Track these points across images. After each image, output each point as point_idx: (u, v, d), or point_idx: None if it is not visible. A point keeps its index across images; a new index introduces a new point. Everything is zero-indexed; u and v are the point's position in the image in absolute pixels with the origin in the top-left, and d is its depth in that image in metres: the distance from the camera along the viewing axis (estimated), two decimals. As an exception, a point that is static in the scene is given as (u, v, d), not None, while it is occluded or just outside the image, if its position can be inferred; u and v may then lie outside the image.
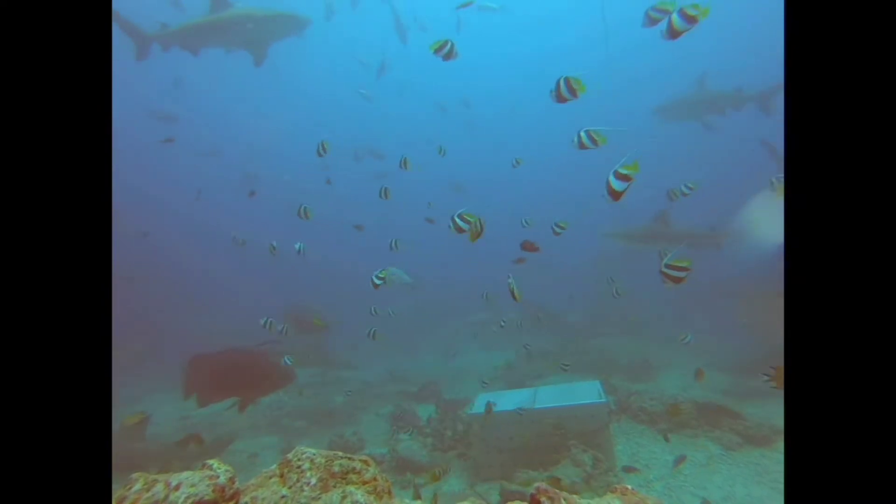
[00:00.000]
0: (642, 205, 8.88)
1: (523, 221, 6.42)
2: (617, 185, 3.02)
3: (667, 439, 5.86)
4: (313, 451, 2.35)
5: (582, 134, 3.37)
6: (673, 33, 3.20)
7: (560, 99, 3.41)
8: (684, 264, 3.29)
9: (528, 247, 5.01)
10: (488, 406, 5.62)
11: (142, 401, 10.34)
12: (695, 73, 13.19)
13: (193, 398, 6.39)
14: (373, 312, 6.78)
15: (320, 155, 5.82)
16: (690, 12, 3.08)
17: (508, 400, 6.03)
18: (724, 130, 13.52)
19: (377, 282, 5.40)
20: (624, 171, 2.99)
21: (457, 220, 3.64)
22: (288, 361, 6.07)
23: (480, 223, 3.79)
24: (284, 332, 6.04)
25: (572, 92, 3.39)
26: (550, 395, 6.03)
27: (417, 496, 4.25)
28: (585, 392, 5.95)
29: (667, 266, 3.27)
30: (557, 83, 3.39)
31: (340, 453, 2.38)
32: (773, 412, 6.40)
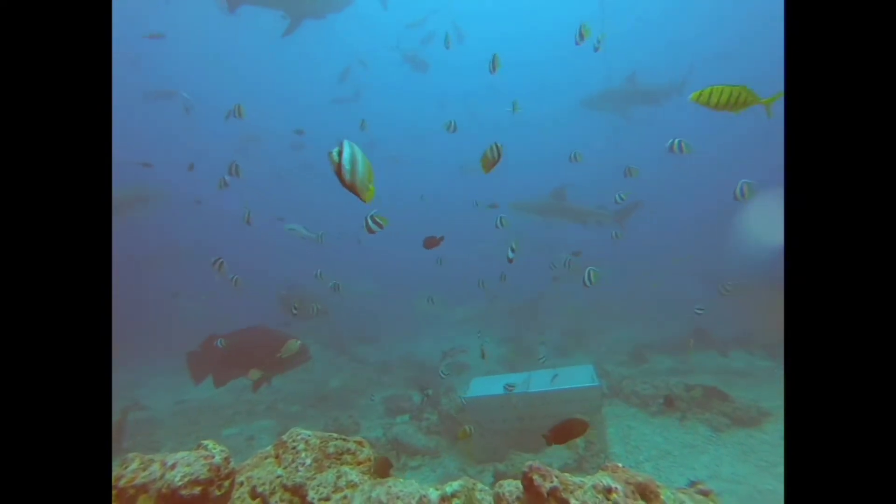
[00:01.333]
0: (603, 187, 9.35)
1: (475, 203, 6.63)
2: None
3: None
4: (308, 432, 2.38)
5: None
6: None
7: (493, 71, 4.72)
8: (594, 279, 5.01)
9: (430, 243, 5.02)
10: (508, 388, 5.72)
11: (147, 385, 10.38)
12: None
13: (205, 380, 6.45)
14: (317, 276, 7.10)
15: (236, 116, 5.84)
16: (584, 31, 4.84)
17: (502, 384, 6.10)
18: (643, 122, 14.52)
19: (293, 312, 6.17)
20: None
21: (369, 221, 3.70)
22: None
23: (498, 149, 3.68)
24: (235, 283, 6.05)
25: (494, 67, 4.68)
26: (544, 379, 6.11)
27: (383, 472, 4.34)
28: (579, 376, 6.03)
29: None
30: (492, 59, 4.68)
31: (335, 435, 2.42)
32: (759, 394, 6.53)
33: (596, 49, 5.80)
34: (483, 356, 5.82)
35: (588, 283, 5.02)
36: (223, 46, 21.58)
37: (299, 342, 5.92)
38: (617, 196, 6.71)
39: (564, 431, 3.13)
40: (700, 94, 3.13)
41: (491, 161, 3.75)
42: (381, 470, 2.27)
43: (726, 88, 3.11)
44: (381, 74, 22.64)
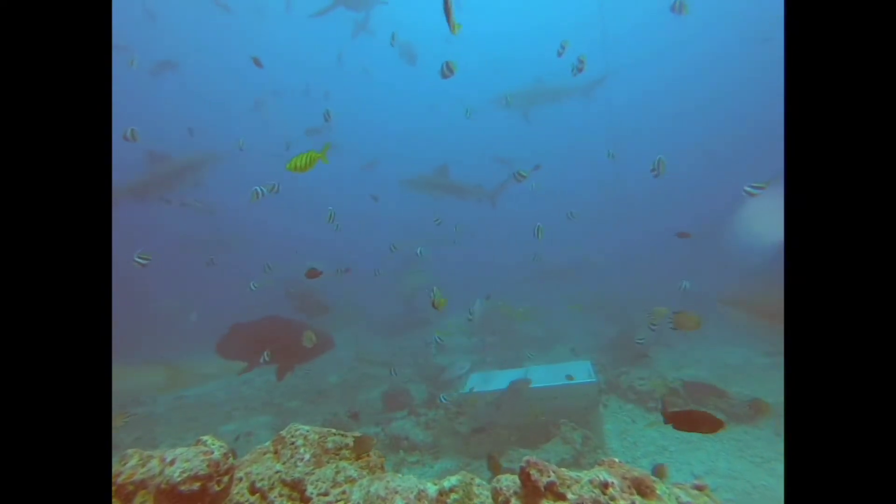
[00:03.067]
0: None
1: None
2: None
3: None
4: (307, 428, 2.39)
5: None
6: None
7: (444, 76, 4.82)
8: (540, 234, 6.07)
9: (311, 274, 5.49)
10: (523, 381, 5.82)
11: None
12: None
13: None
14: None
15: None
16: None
17: (500, 379, 6.12)
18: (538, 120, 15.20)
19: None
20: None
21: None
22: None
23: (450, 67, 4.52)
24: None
25: (450, 70, 4.73)
26: (542, 375, 6.14)
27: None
28: (576, 372, 6.05)
29: None
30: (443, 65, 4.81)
31: (334, 430, 2.43)
32: (756, 390, 6.57)
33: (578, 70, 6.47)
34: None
35: (536, 236, 6.14)
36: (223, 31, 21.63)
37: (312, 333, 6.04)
38: (533, 185, 7.85)
39: (691, 420, 2.72)
40: (292, 165, 4.09)
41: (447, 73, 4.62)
42: (362, 448, 2.29)
43: (303, 155, 4.13)
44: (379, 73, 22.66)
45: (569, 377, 5.86)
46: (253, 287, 7.64)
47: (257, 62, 7.99)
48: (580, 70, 6.32)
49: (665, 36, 26.14)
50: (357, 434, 2.44)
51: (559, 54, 6.53)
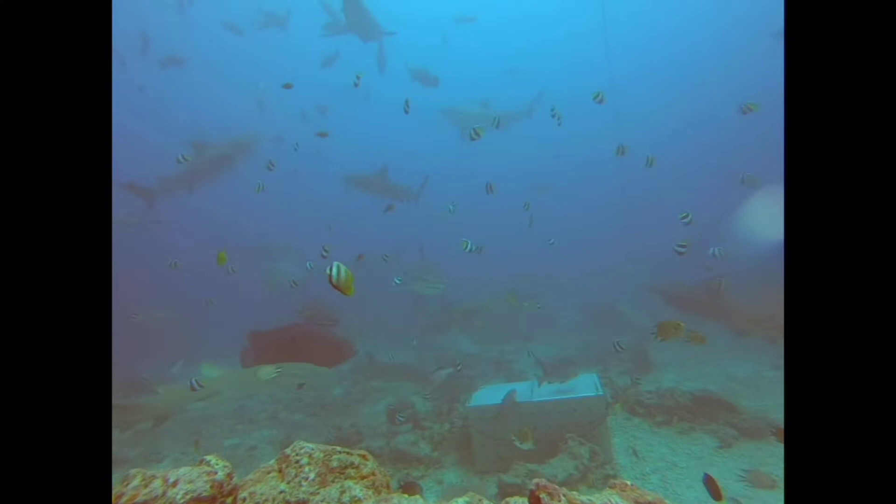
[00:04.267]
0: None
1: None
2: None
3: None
4: (311, 445, 2.35)
5: None
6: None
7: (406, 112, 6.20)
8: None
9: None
10: (509, 396, 5.72)
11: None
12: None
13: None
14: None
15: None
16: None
17: (505, 393, 6.05)
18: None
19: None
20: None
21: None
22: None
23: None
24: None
25: (407, 108, 6.15)
26: (548, 388, 6.06)
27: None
28: (583, 385, 5.98)
29: None
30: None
31: (339, 448, 2.39)
32: (767, 404, 6.46)
33: (557, 122, 7.55)
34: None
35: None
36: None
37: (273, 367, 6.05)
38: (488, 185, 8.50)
39: None
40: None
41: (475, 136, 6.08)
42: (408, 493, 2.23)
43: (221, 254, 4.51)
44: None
45: (596, 388, 5.78)
46: (211, 302, 7.70)
47: (288, 86, 8.39)
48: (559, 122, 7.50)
49: (669, 36, 26.39)
50: (361, 451, 2.40)
51: (552, 114, 7.63)
